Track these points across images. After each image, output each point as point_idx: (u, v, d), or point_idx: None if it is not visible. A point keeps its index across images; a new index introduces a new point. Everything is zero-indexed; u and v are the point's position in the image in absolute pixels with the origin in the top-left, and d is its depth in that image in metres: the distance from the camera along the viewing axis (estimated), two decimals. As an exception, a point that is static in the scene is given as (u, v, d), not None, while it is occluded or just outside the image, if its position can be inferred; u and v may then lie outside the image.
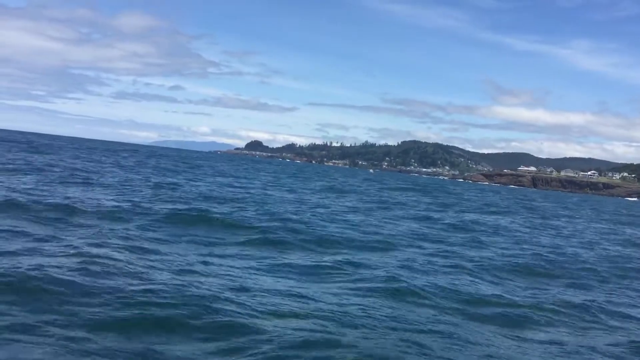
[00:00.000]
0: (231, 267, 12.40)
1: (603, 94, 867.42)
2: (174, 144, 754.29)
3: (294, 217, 22.71)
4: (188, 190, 30.17)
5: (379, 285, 11.71)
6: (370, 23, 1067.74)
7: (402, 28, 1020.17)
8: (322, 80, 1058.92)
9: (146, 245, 13.61)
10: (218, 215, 20.01)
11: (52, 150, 66.12)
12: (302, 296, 10.28)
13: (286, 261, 13.77)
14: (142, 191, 26.92)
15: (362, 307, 9.94)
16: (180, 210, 20.36)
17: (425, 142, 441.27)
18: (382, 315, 9.57)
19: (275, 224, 19.76)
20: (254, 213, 22.68)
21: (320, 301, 10.04)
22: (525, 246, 21.90)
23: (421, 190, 69.81)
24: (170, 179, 38.38)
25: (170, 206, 21.41)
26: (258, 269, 12.48)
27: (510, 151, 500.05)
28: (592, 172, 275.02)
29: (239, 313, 8.73)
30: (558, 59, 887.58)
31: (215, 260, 12.94)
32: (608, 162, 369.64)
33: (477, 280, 13.70)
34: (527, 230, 29.96)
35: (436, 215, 32.18)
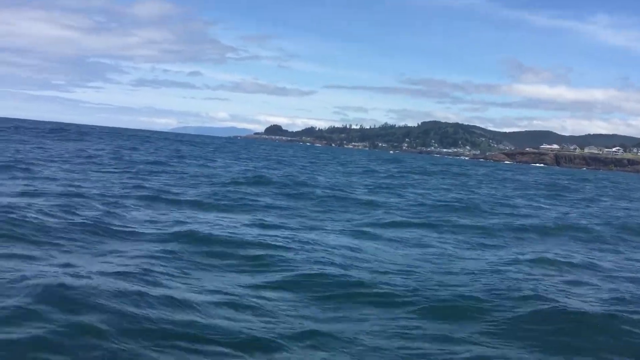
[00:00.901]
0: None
1: (626, 70, 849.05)
2: (193, 130, 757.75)
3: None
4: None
5: None
6: (387, 4, 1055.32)
7: (420, 8, 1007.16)
8: (340, 62, 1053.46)
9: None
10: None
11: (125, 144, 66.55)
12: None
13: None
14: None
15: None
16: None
17: (445, 122, 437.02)
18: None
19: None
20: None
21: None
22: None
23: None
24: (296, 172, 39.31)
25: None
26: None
27: (533, 129, 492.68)
28: (617, 148, 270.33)
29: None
30: (579, 35, 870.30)
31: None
32: (633, 137, 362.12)
33: None
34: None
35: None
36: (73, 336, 6.13)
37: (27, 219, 12.19)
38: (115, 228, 12.84)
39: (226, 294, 8.46)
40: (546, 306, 8.69)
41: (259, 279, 9.67)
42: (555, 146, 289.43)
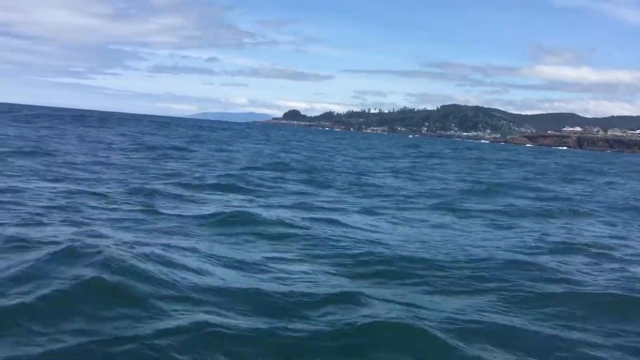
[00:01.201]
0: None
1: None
2: (213, 116, 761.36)
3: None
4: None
5: None
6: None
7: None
8: (357, 46, 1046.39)
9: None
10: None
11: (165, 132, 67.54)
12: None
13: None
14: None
15: None
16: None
17: (465, 106, 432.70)
18: None
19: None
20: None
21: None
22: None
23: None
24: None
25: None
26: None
27: (555, 112, 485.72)
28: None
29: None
30: (603, 15, 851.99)
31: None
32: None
33: None
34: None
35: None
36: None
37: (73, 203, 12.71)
38: (162, 211, 13.09)
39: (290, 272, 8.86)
40: (566, 287, 8.76)
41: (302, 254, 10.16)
42: (577, 129, 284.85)
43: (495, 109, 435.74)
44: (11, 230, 9.56)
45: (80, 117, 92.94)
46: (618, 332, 7.17)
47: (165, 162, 26.81)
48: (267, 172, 25.11)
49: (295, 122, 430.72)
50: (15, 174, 17.45)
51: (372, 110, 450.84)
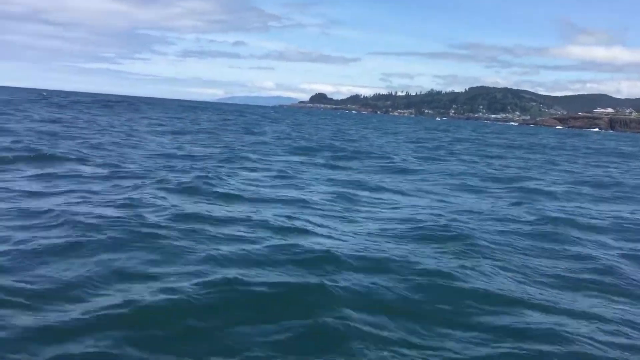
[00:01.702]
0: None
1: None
2: (240, 100, 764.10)
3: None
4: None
5: None
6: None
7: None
8: (384, 28, 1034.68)
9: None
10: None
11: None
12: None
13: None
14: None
15: None
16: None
17: (493, 88, 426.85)
18: None
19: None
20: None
21: None
22: None
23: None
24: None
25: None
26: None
27: (586, 93, 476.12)
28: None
29: None
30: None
31: None
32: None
33: None
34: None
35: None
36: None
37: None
38: (250, 196, 13.85)
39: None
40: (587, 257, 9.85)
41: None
42: (609, 110, 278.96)
43: (525, 91, 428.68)
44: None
45: (132, 103, 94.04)
46: None
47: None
48: (303, 155, 25.99)
49: (322, 105, 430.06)
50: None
51: (399, 93, 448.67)
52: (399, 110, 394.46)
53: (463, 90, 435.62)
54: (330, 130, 60.01)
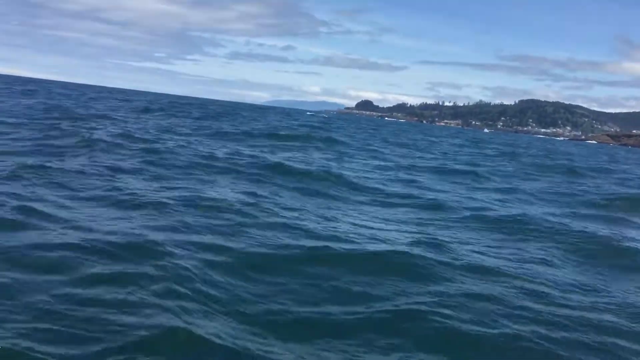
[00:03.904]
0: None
1: None
2: (286, 104, 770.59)
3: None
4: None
5: None
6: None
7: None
8: (433, 37, 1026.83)
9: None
10: None
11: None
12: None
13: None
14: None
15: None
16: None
17: (544, 101, 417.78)
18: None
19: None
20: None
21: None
22: None
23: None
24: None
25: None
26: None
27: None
28: None
29: None
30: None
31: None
32: None
33: None
34: None
35: None
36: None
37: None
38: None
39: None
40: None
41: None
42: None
43: (577, 106, 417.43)
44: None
45: (201, 106, 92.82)
46: None
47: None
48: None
49: (368, 112, 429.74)
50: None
51: (447, 103, 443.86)
52: (445, 121, 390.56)
53: (512, 103, 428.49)
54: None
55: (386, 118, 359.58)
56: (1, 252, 6.87)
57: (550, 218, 13.18)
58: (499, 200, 16.62)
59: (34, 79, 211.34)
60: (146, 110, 49.53)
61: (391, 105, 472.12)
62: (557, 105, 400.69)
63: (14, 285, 5.96)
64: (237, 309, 5.98)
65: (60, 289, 5.96)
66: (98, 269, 6.66)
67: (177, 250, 7.57)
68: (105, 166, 14.20)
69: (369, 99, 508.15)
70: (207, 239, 8.45)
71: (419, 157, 31.68)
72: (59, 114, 31.17)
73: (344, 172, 18.27)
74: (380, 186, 16.94)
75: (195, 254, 7.57)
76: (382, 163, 25.26)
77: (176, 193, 11.53)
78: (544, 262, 9.28)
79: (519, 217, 12.72)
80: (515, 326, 6.16)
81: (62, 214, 8.99)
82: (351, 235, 9.59)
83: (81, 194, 10.72)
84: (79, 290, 5.95)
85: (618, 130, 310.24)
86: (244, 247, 8.19)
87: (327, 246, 8.42)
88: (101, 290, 5.97)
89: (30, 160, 13.47)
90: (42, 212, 8.80)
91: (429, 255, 8.42)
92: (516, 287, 7.55)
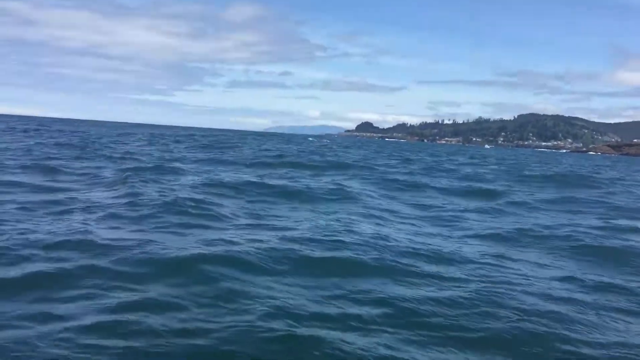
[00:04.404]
0: None
1: None
2: (288, 130, 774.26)
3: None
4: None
5: None
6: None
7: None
8: (430, 57, 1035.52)
9: None
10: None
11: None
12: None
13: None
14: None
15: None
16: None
17: (543, 115, 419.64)
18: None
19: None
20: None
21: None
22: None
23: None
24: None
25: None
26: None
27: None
28: None
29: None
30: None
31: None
32: None
33: None
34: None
35: None
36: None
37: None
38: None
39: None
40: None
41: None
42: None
43: (577, 118, 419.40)
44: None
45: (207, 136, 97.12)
46: None
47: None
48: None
49: (368, 133, 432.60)
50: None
51: (446, 121, 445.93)
52: (446, 138, 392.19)
53: (512, 118, 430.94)
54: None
55: (387, 139, 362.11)
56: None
57: None
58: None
59: (35, 117, 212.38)
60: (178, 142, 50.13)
61: (391, 126, 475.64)
62: (556, 119, 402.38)
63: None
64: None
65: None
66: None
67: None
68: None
69: (369, 121, 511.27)
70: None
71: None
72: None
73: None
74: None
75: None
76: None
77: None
78: None
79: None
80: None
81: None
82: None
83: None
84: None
85: (619, 140, 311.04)
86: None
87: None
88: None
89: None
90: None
91: None
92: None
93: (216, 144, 55.45)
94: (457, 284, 7.93)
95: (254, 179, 19.28)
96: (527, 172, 35.97)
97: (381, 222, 13.16)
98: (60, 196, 14.08)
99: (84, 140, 45.78)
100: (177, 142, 56.80)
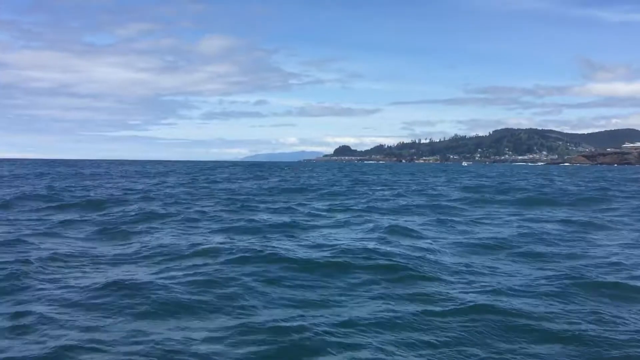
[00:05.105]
0: None
1: None
2: (265, 157, 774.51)
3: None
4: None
5: None
6: (448, 14, 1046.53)
7: (482, 15, 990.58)
8: (403, 78, 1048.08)
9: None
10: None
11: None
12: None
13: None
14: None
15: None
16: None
17: (518, 129, 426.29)
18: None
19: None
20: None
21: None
22: None
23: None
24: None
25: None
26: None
27: (612, 128, 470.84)
28: None
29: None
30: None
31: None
32: None
33: None
34: None
35: None
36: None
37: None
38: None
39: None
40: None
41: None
42: (638, 144, 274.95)
43: (550, 130, 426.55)
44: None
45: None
46: None
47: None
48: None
49: (347, 157, 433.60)
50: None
51: (423, 141, 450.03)
52: (423, 158, 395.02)
53: (487, 134, 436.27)
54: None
55: (365, 161, 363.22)
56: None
57: None
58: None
59: (7, 159, 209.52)
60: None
61: (369, 148, 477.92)
62: (530, 132, 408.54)
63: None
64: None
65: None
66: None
67: None
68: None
69: (347, 144, 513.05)
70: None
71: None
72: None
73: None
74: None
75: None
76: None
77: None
78: None
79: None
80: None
81: None
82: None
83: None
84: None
85: (593, 149, 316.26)
86: None
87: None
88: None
89: None
90: None
91: None
92: None
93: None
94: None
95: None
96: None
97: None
98: None
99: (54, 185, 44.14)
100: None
